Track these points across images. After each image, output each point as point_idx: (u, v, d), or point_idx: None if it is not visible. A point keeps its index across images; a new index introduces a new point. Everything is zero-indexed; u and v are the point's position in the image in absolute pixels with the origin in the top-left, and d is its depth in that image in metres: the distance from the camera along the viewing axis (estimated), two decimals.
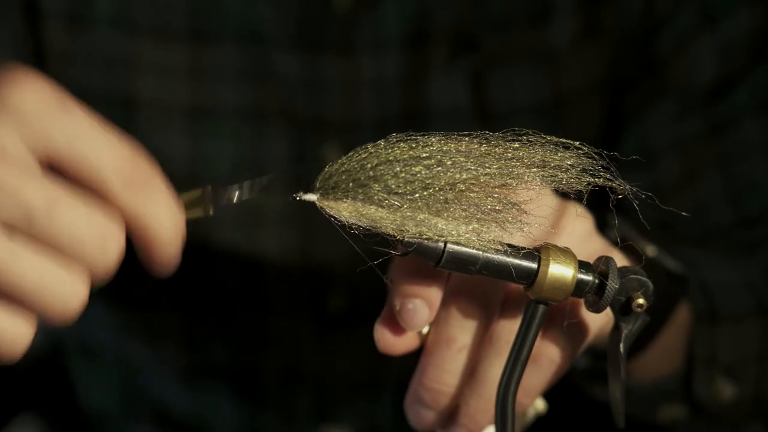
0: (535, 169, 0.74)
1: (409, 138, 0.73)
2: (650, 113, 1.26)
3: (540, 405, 0.93)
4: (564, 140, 0.74)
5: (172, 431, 1.38)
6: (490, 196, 0.74)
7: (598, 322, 0.84)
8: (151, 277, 0.78)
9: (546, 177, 0.74)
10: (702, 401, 1.13)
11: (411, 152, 0.72)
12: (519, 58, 1.24)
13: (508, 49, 1.24)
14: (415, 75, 1.23)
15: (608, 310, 0.77)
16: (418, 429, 0.87)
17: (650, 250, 1.02)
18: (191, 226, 0.78)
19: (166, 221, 0.72)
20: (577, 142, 0.75)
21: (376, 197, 0.72)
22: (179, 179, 1.27)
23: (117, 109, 1.25)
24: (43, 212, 0.68)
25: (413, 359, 1.30)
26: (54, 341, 1.53)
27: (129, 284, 1.33)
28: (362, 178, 0.72)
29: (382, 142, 0.73)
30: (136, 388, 1.38)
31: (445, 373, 0.84)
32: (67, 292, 0.69)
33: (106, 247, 0.70)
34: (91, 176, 0.70)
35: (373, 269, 1.00)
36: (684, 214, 1.09)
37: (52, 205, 0.68)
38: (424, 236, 0.73)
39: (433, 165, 0.72)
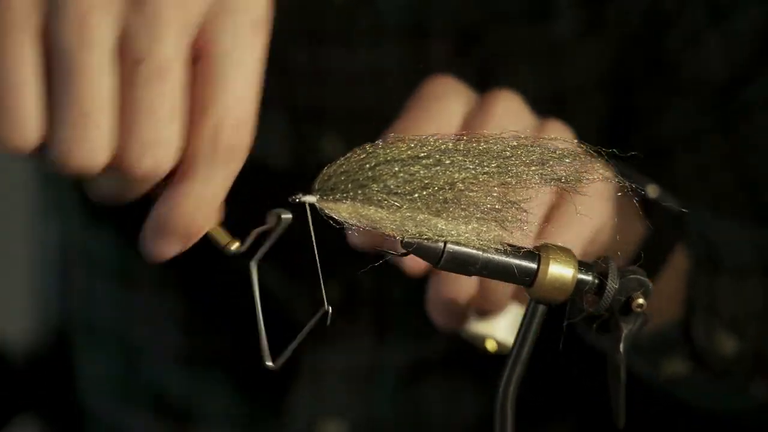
0: (534, 167, 0.74)
1: (407, 137, 0.73)
2: (662, 112, 1.26)
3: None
4: (560, 137, 0.74)
5: (168, 418, 1.37)
6: (489, 195, 0.74)
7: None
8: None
9: (545, 175, 0.74)
10: (702, 352, 1.13)
11: (409, 152, 0.72)
12: (522, 54, 1.24)
13: (511, 44, 1.24)
14: (416, 68, 1.23)
15: None
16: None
17: (652, 190, 1.03)
18: None
19: (212, 191, 0.71)
20: (575, 140, 0.75)
21: (375, 198, 0.72)
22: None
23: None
24: (155, 70, 0.67)
25: (413, 353, 1.30)
26: (55, 336, 1.53)
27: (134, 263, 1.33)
28: (361, 179, 0.72)
29: (380, 142, 0.73)
30: (136, 371, 1.38)
31: (456, 287, 0.91)
32: (98, 144, 0.67)
33: (149, 156, 0.68)
34: (209, 96, 0.69)
35: (370, 262, 1.02)
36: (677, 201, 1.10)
37: (165, 73, 0.67)
38: (424, 236, 0.73)
39: (431, 164, 0.72)
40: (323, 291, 0.79)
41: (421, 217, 0.73)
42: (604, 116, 1.28)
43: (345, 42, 1.22)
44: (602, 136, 1.19)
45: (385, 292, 1.29)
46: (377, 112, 1.24)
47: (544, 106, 1.25)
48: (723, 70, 1.24)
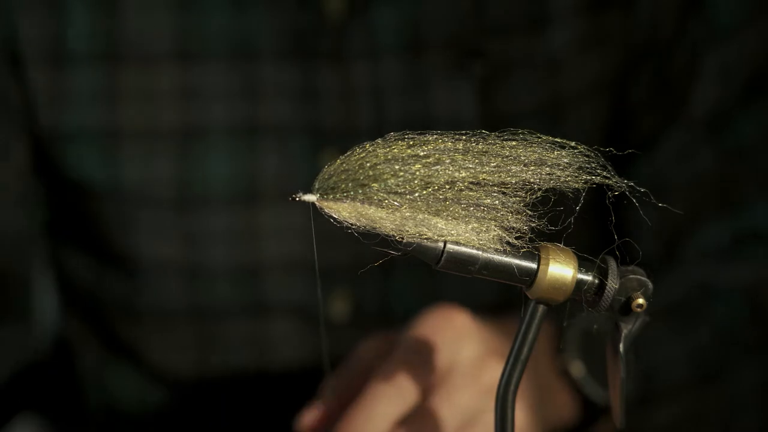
0: (532, 168, 0.74)
1: (406, 136, 0.73)
2: (661, 144, 1.27)
3: None
4: (559, 140, 0.74)
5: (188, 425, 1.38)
6: (489, 195, 0.73)
7: None
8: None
9: (543, 175, 0.74)
10: None
11: (409, 151, 0.72)
12: (521, 65, 1.24)
13: (510, 55, 1.24)
14: (416, 83, 1.23)
15: None
16: None
17: (576, 369, 1.08)
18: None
19: None
20: (573, 142, 0.74)
21: (375, 197, 0.72)
22: (170, 203, 1.28)
23: (103, 140, 1.26)
24: None
25: None
26: (57, 338, 1.53)
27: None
28: (361, 178, 0.72)
29: (380, 141, 0.73)
30: (154, 388, 1.38)
31: None
32: None
33: None
34: None
35: (376, 271, 1.04)
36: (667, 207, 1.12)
37: None
38: (424, 236, 0.73)
39: (431, 163, 0.72)
40: (319, 291, 0.80)
41: (421, 216, 0.73)
42: (603, 128, 1.28)
43: (340, 59, 1.22)
44: (603, 143, 1.19)
45: (392, 305, 1.30)
46: (377, 128, 1.24)
47: (543, 116, 1.26)
48: (715, 100, 1.25)
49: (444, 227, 0.73)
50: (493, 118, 1.25)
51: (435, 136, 0.73)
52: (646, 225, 1.26)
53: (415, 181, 0.72)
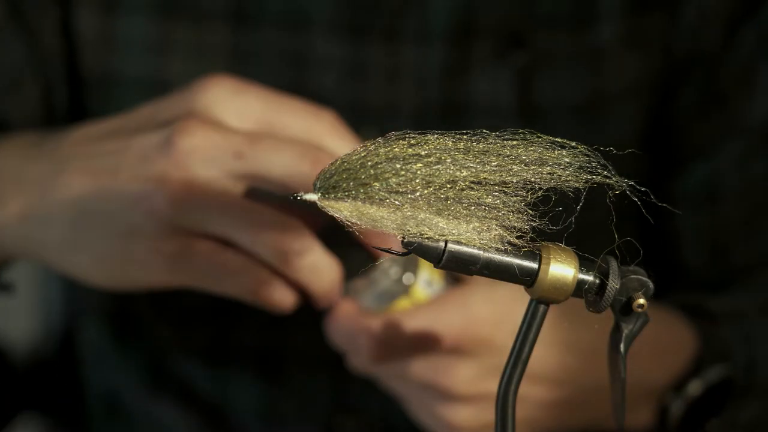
0: (533, 167, 0.74)
1: (407, 135, 0.73)
2: (716, 151, 1.27)
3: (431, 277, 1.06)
4: (560, 140, 0.74)
5: (196, 409, 1.37)
6: (490, 194, 0.74)
7: None
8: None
9: (544, 174, 0.74)
10: None
11: (410, 150, 0.72)
12: (564, 58, 1.25)
13: (553, 48, 1.24)
14: (459, 68, 1.24)
15: None
16: None
17: (694, 387, 1.11)
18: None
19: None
20: (573, 142, 0.74)
21: (376, 196, 0.72)
22: None
23: (149, 92, 1.26)
24: None
25: None
26: (58, 338, 1.53)
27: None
28: (363, 177, 0.72)
29: (380, 140, 0.73)
30: (163, 366, 1.38)
31: None
32: None
33: None
34: None
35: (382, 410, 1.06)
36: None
37: None
38: (425, 236, 0.73)
39: (432, 162, 0.72)
40: None
41: (423, 216, 0.73)
42: (642, 131, 1.28)
43: (392, 38, 1.23)
44: (638, 146, 1.20)
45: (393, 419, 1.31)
46: (417, 110, 1.25)
47: (582, 110, 1.26)
48: None
49: (445, 226, 0.73)
50: (530, 110, 1.25)
51: (436, 135, 0.73)
52: (694, 231, 1.27)
53: (417, 181, 0.72)
